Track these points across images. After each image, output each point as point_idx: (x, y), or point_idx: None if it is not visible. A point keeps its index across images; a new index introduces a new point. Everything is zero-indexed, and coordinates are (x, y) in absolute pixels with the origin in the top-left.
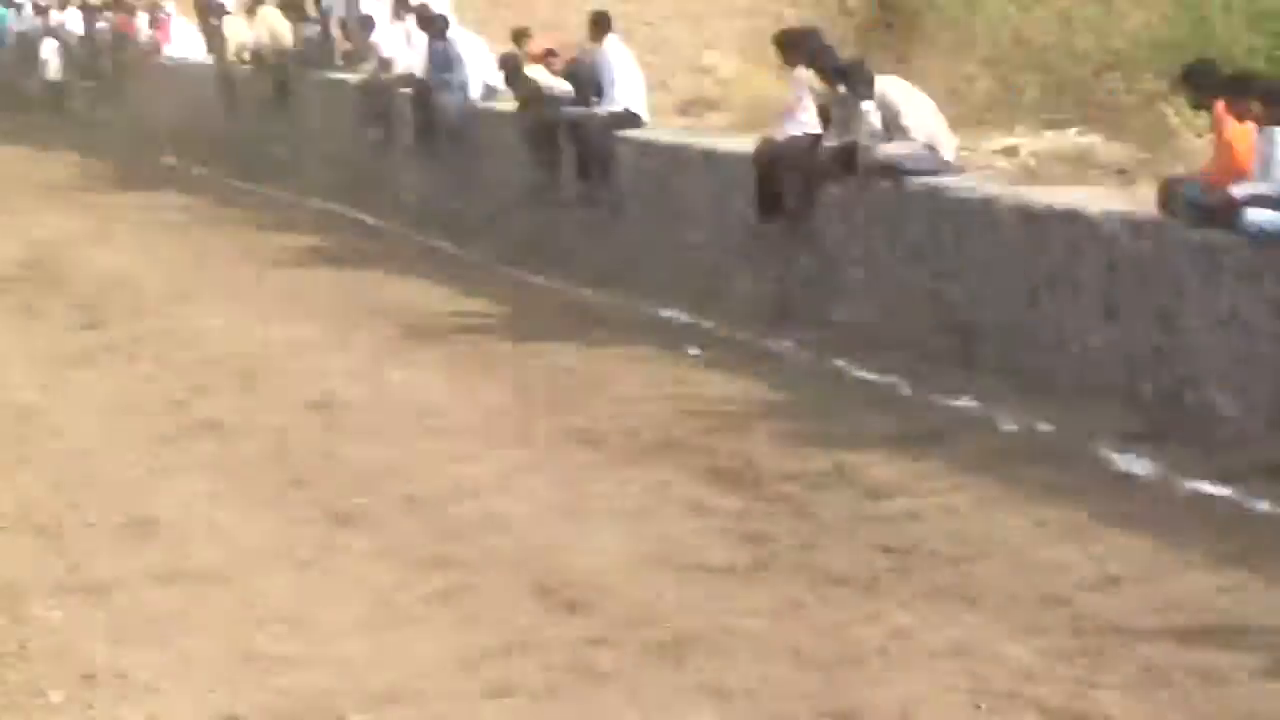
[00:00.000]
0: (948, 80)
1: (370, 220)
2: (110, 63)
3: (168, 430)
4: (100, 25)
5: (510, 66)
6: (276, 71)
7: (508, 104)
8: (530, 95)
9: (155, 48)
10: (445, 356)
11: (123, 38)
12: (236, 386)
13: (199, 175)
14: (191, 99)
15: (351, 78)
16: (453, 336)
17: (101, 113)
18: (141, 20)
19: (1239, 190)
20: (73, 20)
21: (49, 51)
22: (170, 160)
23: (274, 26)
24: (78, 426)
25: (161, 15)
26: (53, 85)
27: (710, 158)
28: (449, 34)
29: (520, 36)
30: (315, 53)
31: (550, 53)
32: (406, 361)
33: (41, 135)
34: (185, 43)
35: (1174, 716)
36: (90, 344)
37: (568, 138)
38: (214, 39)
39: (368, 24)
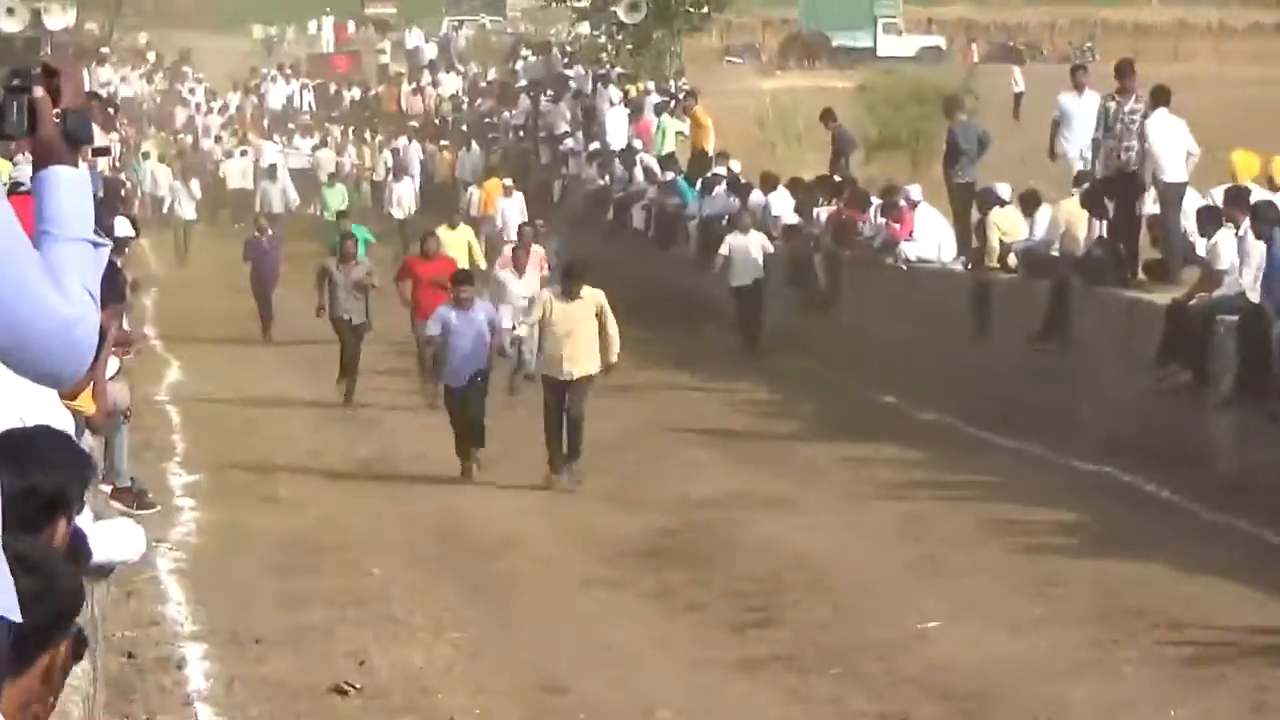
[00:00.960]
0: None
1: (1158, 491)
2: (824, 263)
3: None
4: (818, 212)
5: None
6: (1056, 284)
7: None
8: None
9: (889, 244)
10: (1250, 702)
11: (846, 229)
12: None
13: (928, 421)
14: (930, 316)
15: (1157, 298)
16: (1263, 669)
17: (807, 329)
18: (872, 209)
19: None
20: (782, 204)
21: (746, 248)
22: (890, 399)
23: (1072, 219)
24: None
25: (902, 203)
26: (743, 290)
27: None
28: None
29: None
30: (1109, 260)
31: None
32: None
33: (719, 363)
34: (931, 240)
35: None
36: (757, 649)
37: None
38: (974, 234)
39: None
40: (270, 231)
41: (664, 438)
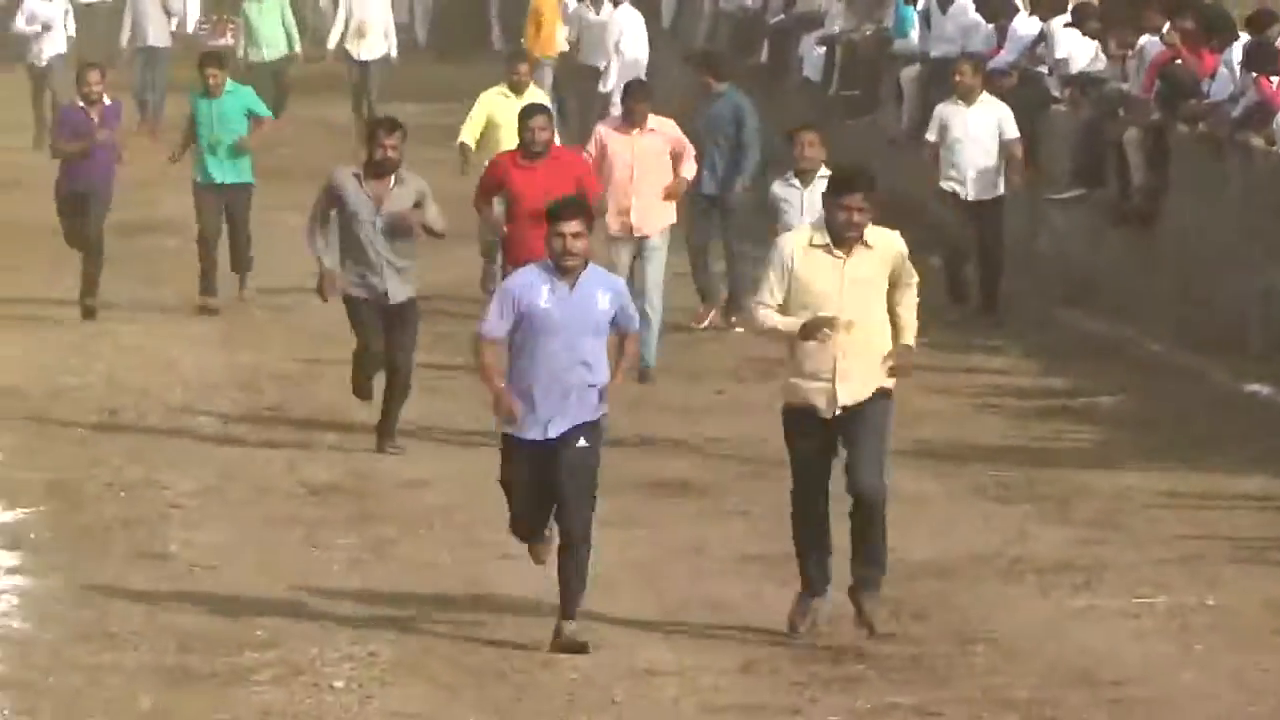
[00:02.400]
0: None
1: None
2: (1141, 143)
3: None
4: (1128, 52)
5: None
6: None
7: None
8: None
9: (1259, 112)
10: None
11: (1180, 84)
12: None
13: None
14: None
15: None
16: None
17: (1111, 264)
18: (1231, 50)
19: None
20: (1068, 39)
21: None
22: (1264, 389)
23: None
24: None
25: None
26: None
27: None
28: None
29: None
30: None
31: None
32: None
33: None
34: None
35: None
36: None
37: None
38: None
39: None
40: (98, 90)
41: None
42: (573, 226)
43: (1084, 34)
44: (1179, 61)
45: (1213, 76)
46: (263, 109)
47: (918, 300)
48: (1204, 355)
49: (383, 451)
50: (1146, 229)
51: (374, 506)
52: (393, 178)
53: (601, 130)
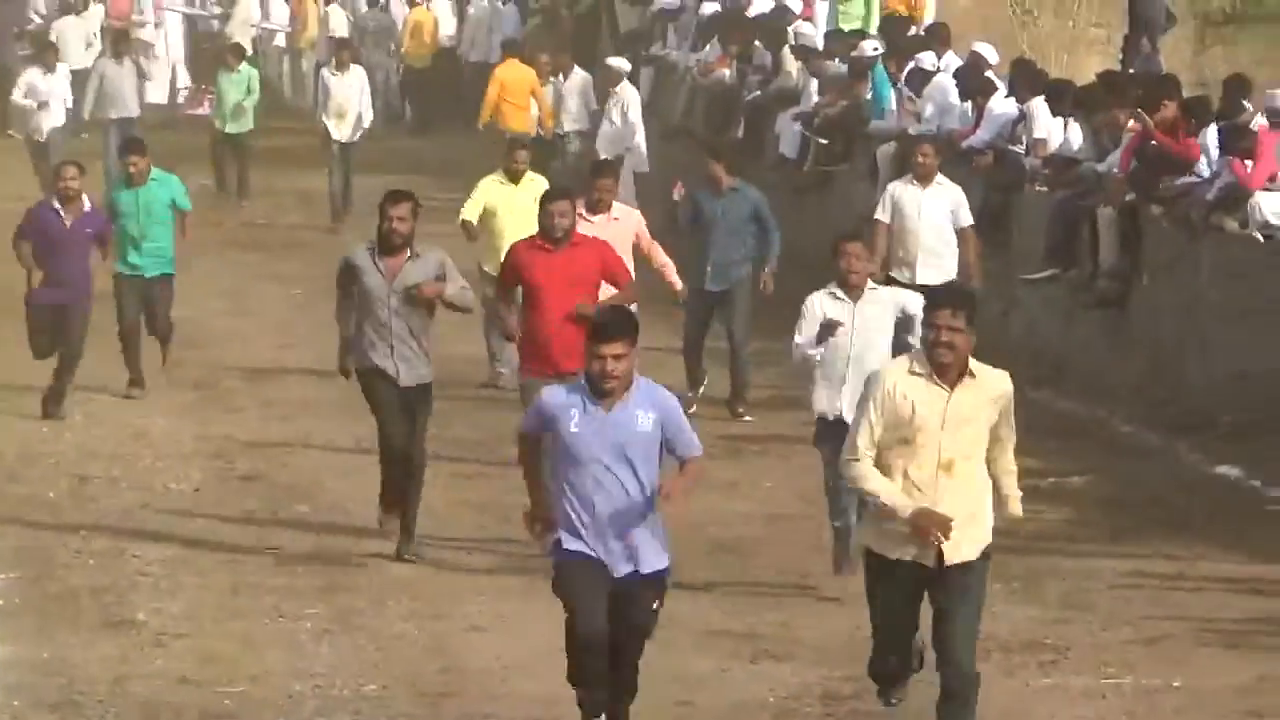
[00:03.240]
0: None
1: None
2: (1115, 224)
3: None
4: (1102, 132)
5: None
6: None
7: None
8: None
9: (1233, 194)
10: None
11: (1154, 165)
12: None
13: None
14: None
15: None
16: None
17: (1083, 344)
18: (1205, 132)
19: None
20: (1044, 119)
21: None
22: (1237, 473)
23: None
24: None
25: (1259, 123)
26: None
27: None
28: None
29: None
30: None
31: None
32: None
33: None
34: None
35: None
36: None
37: None
38: None
39: None
40: (74, 187)
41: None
42: (615, 348)
43: (1059, 114)
44: (1154, 143)
45: (1192, 160)
46: (186, 201)
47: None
48: (1174, 436)
49: (400, 559)
50: (1119, 310)
51: (342, 577)
52: (407, 251)
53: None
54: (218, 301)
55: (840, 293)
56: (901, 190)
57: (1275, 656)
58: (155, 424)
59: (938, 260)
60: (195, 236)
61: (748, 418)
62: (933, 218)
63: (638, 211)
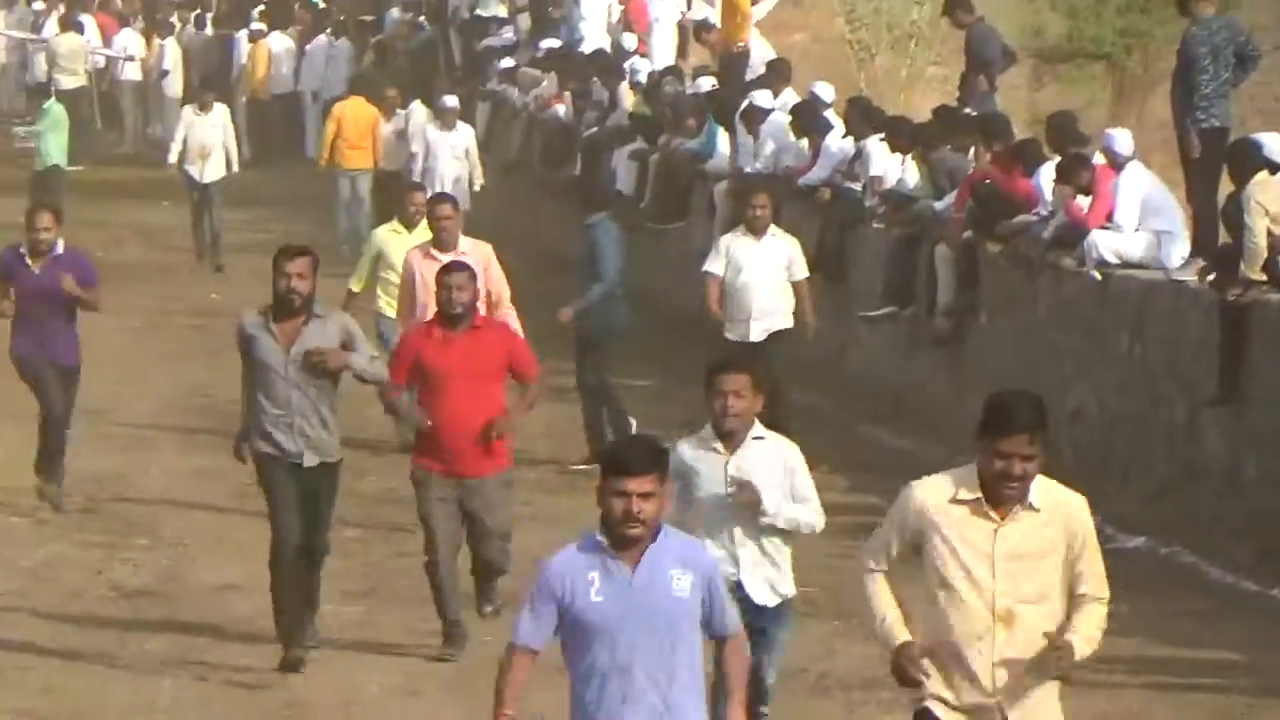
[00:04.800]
0: None
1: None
2: (953, 264)
3: None
4: (941, 172)
5: None
6: None
7: None
8: None
9: (1068, 234)
10: None
11: (991, 205)
12: None
13: (1134, 554)
14: (1144, 367)
15: None
16: None
17: (918, 383)
18: (1041, 171)
19: None
20: (880, 158)
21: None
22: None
23: None
24: None
25: (1094, 162)
26: None
27: None
28: None
29: None
30: None
31: None
32: None
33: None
34: (1143, 228)
35: None
36: None
37: None
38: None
39: None
40: (51, 244)
41: None
42: (642, 485)
43: (896, 151)
44: (988, 182)
45: (1027, 198)
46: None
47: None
48: None
49: (289, 669)
50: (956, 347)
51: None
52: (305, 314)
53: (411, 256)
54: None
55: (715, 442)
56: (736, 243)
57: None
58: None
59: (771, 317)
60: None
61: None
62: (768, 271)
63: (488, 244)
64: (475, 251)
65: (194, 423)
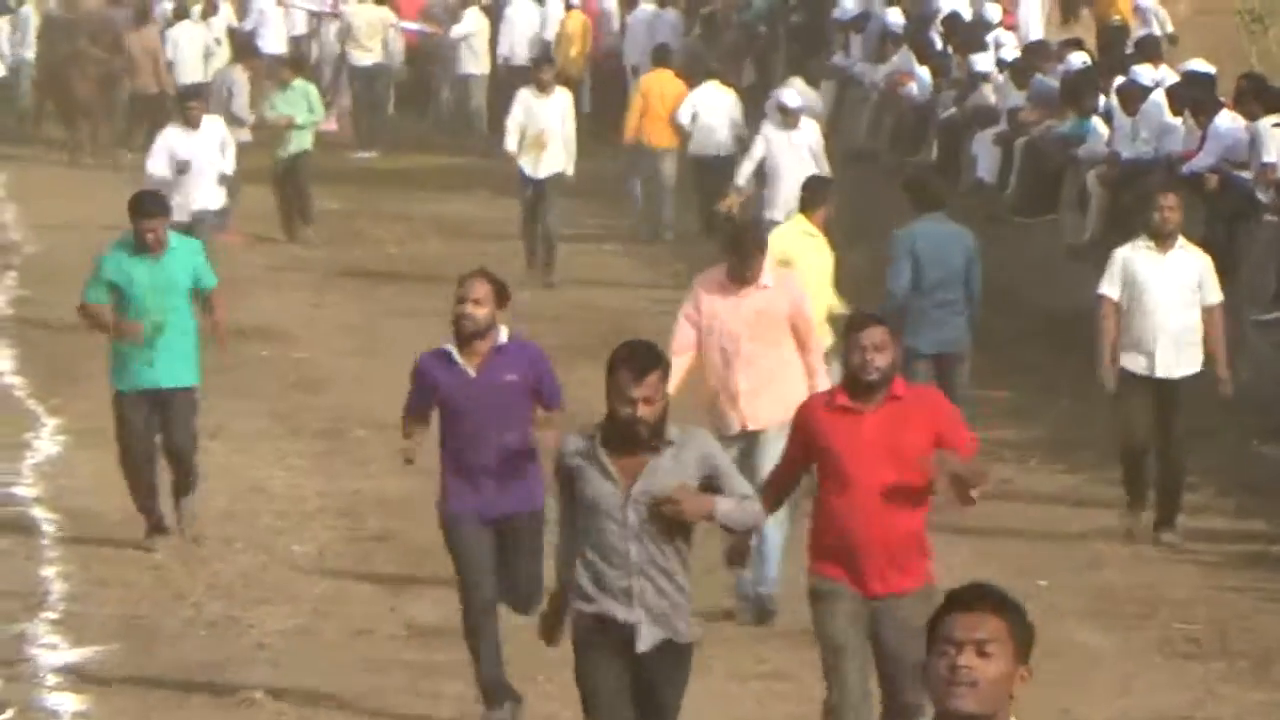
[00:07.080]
0: None
1: None
2: None
3: None
4: None
5: None
6: None
7: None
8: None
9: None
10: None
11: None
12: None
13: None
14: None
15: None
16: None
17: None
18: None
19: None
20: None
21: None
22: None
23: None
24: None
25: None
26: None
27: None
28: None
29: None
30: None
31: None
32: None
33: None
34: None
35: None
36: None
37: None
38: None
39: None
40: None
41: None
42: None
43: None
44: None
45: None
46: (211, 277)
47: None
48: None
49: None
50: None
51: None
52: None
53: (699, 288)
54: (343, 340)
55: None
56: (1136, 258)
57: None
58: (275, 478)
59: (1180, 349)
60: (320, 267)
61: None
62: (1176, 292)
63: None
64: (785, 285)
65: None
